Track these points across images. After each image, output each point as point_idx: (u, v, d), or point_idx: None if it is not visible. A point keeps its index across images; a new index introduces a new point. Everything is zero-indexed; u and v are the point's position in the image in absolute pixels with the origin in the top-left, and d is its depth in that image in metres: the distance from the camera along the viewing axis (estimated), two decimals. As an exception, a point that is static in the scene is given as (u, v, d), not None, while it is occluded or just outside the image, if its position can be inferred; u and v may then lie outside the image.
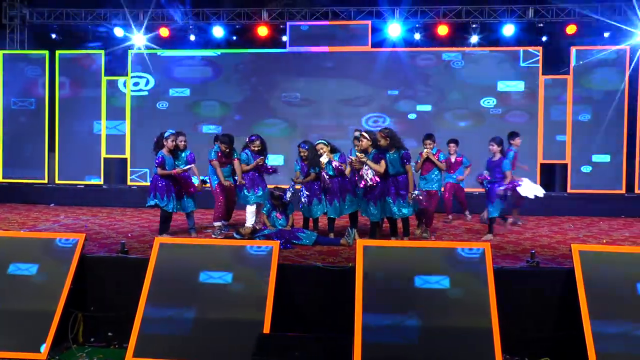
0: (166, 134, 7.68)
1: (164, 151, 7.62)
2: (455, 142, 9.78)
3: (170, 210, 7.65)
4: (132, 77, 12.76)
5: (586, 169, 11.72)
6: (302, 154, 7.80)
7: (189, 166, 7.78)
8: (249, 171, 7.95)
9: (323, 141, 7.82)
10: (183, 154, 7.91)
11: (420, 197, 7.27)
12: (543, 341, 5.10)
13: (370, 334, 4.61)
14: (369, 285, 4.87)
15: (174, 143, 7.69)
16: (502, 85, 11.92)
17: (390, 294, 4.85)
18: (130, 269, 5.50)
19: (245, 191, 7.98)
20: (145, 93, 12.78)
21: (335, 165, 7.59)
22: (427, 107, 12.14)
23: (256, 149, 7.98)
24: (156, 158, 7.58)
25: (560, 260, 6.31)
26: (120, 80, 12.82)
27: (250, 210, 8.04)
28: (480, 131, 11.72)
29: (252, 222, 8.03)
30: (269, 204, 7.91)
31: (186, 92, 12.65)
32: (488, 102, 11.97)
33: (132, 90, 12.78)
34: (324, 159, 7.63)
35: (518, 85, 11.88)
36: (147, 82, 12.79)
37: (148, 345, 4.81)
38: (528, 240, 7.86)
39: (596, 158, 11.71)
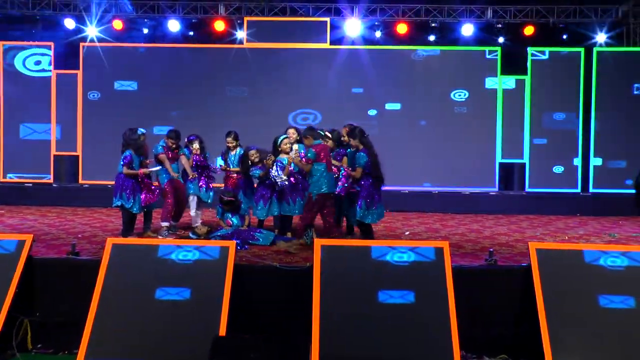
0: (139, 132, 7.54)
1: (132, 150, 7.44)
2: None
3: (136, 212, 7.46)
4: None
5: (558, 169, 11.95)
6: (253, 157, 7.71)
7: (156, 167, 7.60)
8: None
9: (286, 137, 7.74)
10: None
11: None
12: (501, 339, 5.19)
13: (328, 336, 4.62)
14: (326, 286, 4.87)
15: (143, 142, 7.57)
16: (461, 86, 12.08)
17: (347, 295, 4.86)
18: (81, 271, 5.36)
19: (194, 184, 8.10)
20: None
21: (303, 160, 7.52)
22: (396, 106, 12.21)
23: (194, 148, 8.08)
24: (123, 157, 7.40)
25: (518, 259, 6.44)
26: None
27: (193, 208, 8.18)
28: (446, 130, 11.97)
29: (200, 222, 8.13)
30: (219, 207, 7.85)
31: (134, 85, 12.40)
32: (448, 102, 12.11)
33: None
34: (292, 154, 7.52)
35: (478, 85, 12.06)
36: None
37: (99, 352, 4.69)
38: (487, 239, 8.01)
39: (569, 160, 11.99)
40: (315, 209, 7.00)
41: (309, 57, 12.16)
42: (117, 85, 12.34)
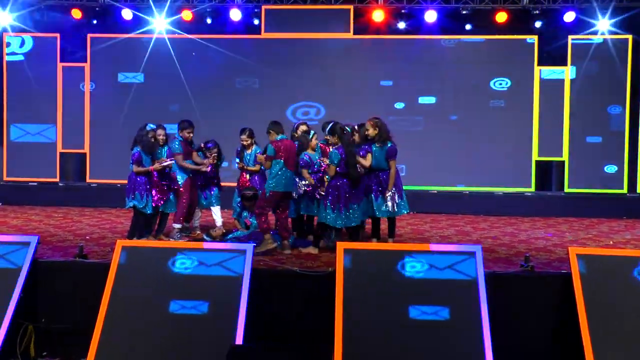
0: (147, 128, 7.57)
1: (140, 147, 7.46)
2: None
3: (149, 212, 7.45)
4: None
5: (611, 169, 11.70)
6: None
7: (168, 162, 7.61)
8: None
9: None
10: (164, 150, 7.82)
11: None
12: (538, 352, 5.13)
13: (351, 348, 4.59)
14: (350, 293, 4.83)
15: (152, 139, 7.58)
16: (502, 74, 11.92)
17: (373, 305, 4.82)
18: (89, 274, 5.42)
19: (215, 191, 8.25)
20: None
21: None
22: (431, 99, 12.08)
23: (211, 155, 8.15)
24: (132, 154, 7.44)
25: (556, 265, 6.35)
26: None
27: (216, 210, 8.24)
28: (481, 125, 11.86)
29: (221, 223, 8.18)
30: (238, 206, 7.86)
31: (140, 77, 12.42)
32: (487, 92, 11.93)
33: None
34: (313, 142, 7.46)
35: (512, 78, 11.90)
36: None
37: (108, 360, 4.73)
38: (522, 243, 7.91)
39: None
40: (268, 207, 6.88)
41: (331, 47, 12.12)
42: (122, 77, 12.39)
